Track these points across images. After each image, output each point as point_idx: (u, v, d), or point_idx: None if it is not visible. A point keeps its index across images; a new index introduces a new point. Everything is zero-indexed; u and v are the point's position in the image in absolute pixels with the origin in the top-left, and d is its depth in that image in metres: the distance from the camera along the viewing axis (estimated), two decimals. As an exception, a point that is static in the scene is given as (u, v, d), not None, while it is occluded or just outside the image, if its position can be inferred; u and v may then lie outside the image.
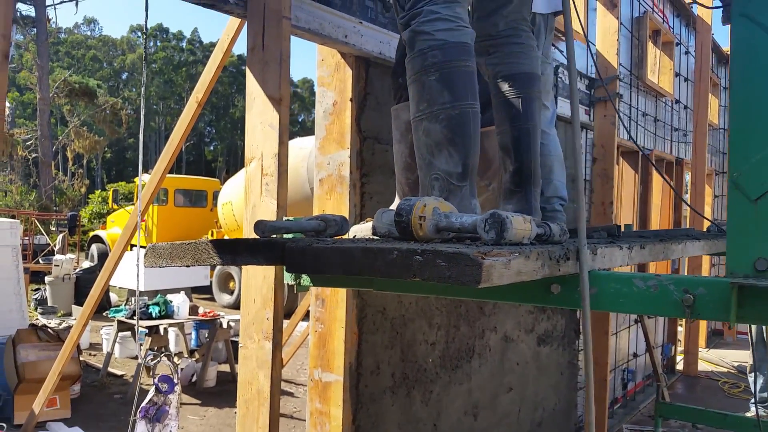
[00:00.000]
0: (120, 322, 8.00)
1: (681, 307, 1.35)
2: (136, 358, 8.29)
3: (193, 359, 8.29)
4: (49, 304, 11.78)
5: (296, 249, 1.29)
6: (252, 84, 2.12)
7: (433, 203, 1.40)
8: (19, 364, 6.10)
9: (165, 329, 7.84)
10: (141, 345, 6.82)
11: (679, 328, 7.92)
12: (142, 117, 2.53)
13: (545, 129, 2.90)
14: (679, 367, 7.84)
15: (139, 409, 2.16)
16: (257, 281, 2.10)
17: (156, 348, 8.07)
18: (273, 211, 2.04)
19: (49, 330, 6.46)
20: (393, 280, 1.78)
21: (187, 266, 1.46)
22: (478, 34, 1.89)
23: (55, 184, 17.31)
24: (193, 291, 11.49)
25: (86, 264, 13.75)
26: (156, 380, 2.16)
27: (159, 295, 8.29)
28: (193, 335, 9.02)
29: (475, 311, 3.58)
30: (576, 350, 4.86)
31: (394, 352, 3.01)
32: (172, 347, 8.71)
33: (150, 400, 2.16)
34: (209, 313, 8.29)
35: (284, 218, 1.97)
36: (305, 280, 2.00)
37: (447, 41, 1.61)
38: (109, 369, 8.26)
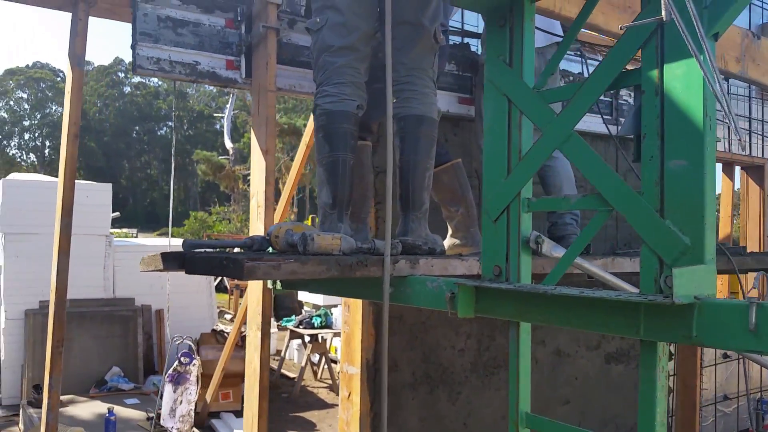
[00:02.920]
0: (291, 330, 9.32)
1: (446, 302, 1.78)
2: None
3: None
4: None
5: (187, 258, 1.97)
6: (254, 140, 2.87)
7: (287, 226, 2.00)
8: (201, 362, 7.52)
9: (323, 338, 8.97)
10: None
11: None
12: (173, 162, 3.40)
13: (554, 154, 3.26)
14: None
15: (166, 375, 2.98)
16: (254, 287, 2.82)
17: (319, 354, 9.24)
18: (261, 231, 2.74)
19: (225, 334, 7.86)
20: (321, 284, 2.39)
21: (154, 270, 2.21)
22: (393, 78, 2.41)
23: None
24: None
25: (285, 282, 15.71)
26: (179, 354, 2.97)
27: (322, 308, 9.46)
28: (356, 346, 9.94)
29: (515, 324, 3.91)
30: (667, 373, 4.79)
31: (415, 353, 3.50)
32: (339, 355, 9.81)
33: (174, 368, 2.97)
34: (364, 326, 9.24)
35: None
36: (278, 285, 2.68)
37: (330, 110, 2.22)
38: (283, 371, 9.60)
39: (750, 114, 5.63)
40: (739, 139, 1.49)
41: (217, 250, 2.17)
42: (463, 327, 3.69)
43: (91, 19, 2.77)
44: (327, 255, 1.88)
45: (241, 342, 8.00)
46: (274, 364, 10.08)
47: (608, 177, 1.44)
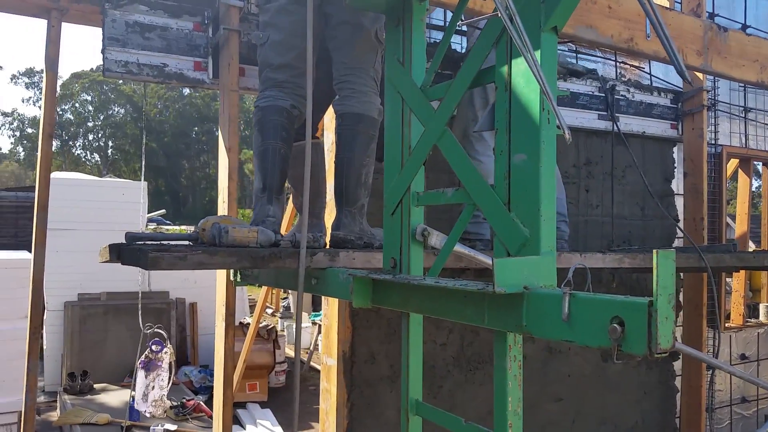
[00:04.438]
0: (318, 325, 9.52)
1: (348, 292, 1.84)
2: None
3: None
4: (291, 310, 14.16)
5: (121, 249, 2.09)
6: (221, 138, 2.99)
7: (213, 220, 2.09)
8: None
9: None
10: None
11: None
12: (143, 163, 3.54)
13: None
14: None
15: (138, 361, 3.13)
16: (220, 281, 2.94)
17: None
18: (225, 228, 2.85)
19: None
20: (267, 277, 2.49)
21: (107, 261, 2.34)
22: (333, 76, 2.47)
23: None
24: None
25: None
26: (150, 343, 3.11)
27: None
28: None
29: (501, 320, 3.90)
30: (672, 372, 4.68)
31: (393, 347, 3.55)
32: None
33: (145, 355, 3.12)
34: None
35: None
36: (239, 278, 2.79)
37: (263, 107, 2.33)
38: (312, 364, 9.78)
39: (769, 107, 5.42)
40: (566, 136, 1.45)
41: (158, 242, 2.28)
42: (445, 321, 3.72)
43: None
44: (243, 247, 1.96)
45: (267, 335, 8.25)
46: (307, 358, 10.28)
47: (469, 172, 1.47)
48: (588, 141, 4.32)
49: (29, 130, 51.18)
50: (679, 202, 4.72)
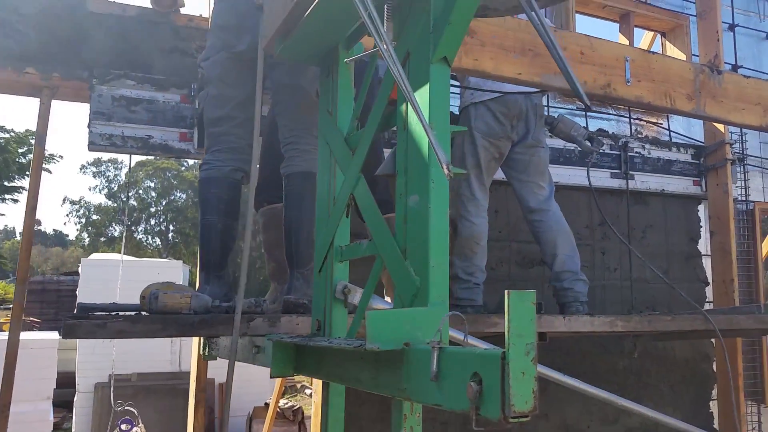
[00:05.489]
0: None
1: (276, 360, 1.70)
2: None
3: None
4: (333, 391, 13.87)
5: (70, 323, 2.02)
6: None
7: (154, 287, 2.02)
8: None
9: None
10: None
11: None
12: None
13: (543, 207, 3.11)
14: None
15: None
16: (194, 355, 2.84)
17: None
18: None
19: (277, 408, 7.85)
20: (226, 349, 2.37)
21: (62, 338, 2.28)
22: (280, 140, 2.43)
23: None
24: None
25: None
26: (119, 421, 2.98)
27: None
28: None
29: (512, 395, 3.62)
30: (714, 453, 4.23)
31: (386, 426, 3.30)
32: None
33: None
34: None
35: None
36: (207, 352, 2.68)
37: (203, 178, 2.39)
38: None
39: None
40: (445, 171, 1.32)
41: (112, 313, 2.22)
42: (448, 397, 3.47)
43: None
44: (176, 313, 1.86)
45: (292, 416, 7.99)
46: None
47: (378, 222, 1.36)
48: (601, 201, 4.12)
49: (94, 217, 53.52)
50: (708, 263, 4.40)
